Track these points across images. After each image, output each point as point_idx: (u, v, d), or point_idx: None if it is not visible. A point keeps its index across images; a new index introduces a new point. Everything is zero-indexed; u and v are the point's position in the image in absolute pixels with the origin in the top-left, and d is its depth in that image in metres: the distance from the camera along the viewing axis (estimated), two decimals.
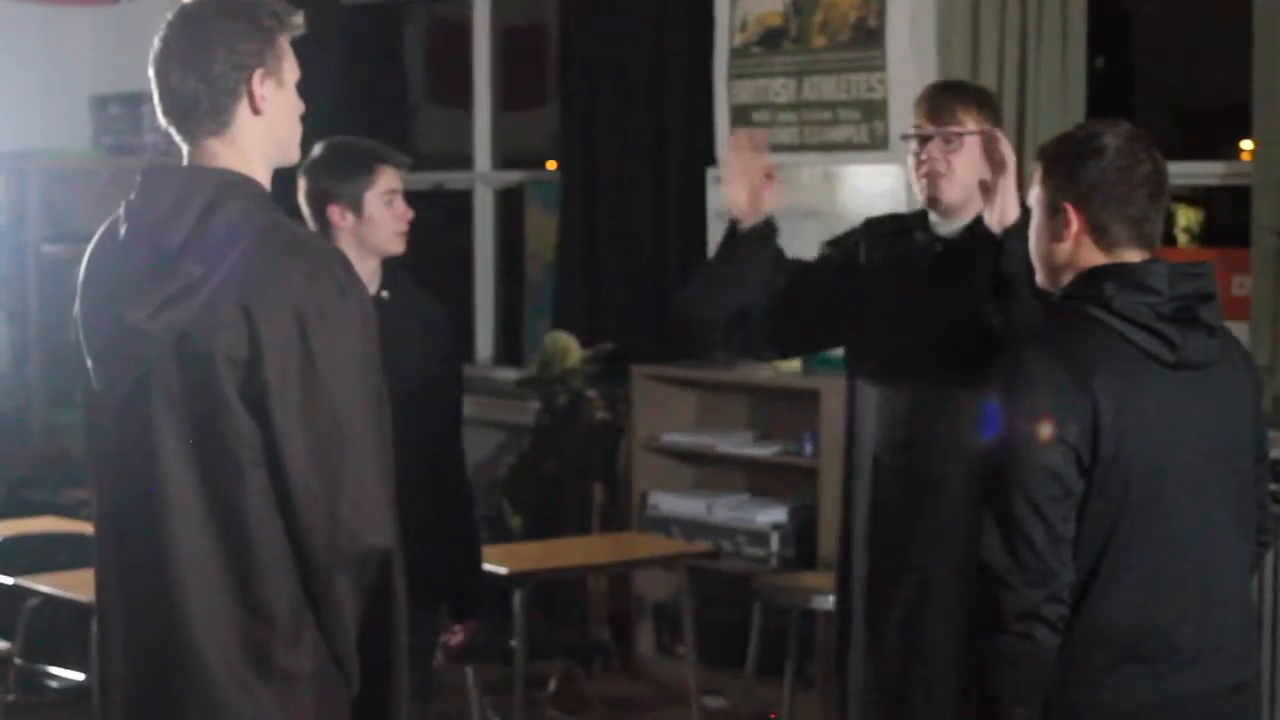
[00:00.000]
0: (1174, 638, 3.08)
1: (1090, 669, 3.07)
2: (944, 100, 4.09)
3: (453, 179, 8.93)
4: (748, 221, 4.14)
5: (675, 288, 7.50)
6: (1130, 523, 3.06)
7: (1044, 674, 3.06)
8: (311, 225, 4.34)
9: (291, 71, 3.01)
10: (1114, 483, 3.04)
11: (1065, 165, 3.16)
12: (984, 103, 4.13)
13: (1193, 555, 3.11)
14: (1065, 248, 3.16)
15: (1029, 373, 3.08)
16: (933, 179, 4.04)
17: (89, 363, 2.98)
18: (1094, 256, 3.13)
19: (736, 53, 7.33)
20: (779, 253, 4.20)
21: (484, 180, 8.79)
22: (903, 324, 4.07)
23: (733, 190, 4.17)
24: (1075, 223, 3.14)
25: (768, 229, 4.16)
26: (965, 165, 4.02)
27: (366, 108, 8.89)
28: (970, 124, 4.03)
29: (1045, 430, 3.03)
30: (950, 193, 4.04)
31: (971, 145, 4.02)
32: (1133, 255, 3.12)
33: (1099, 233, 3.12)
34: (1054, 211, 3.17)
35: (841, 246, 4.28)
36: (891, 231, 4.22)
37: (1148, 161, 3.14)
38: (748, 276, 4.15)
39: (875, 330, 4.15)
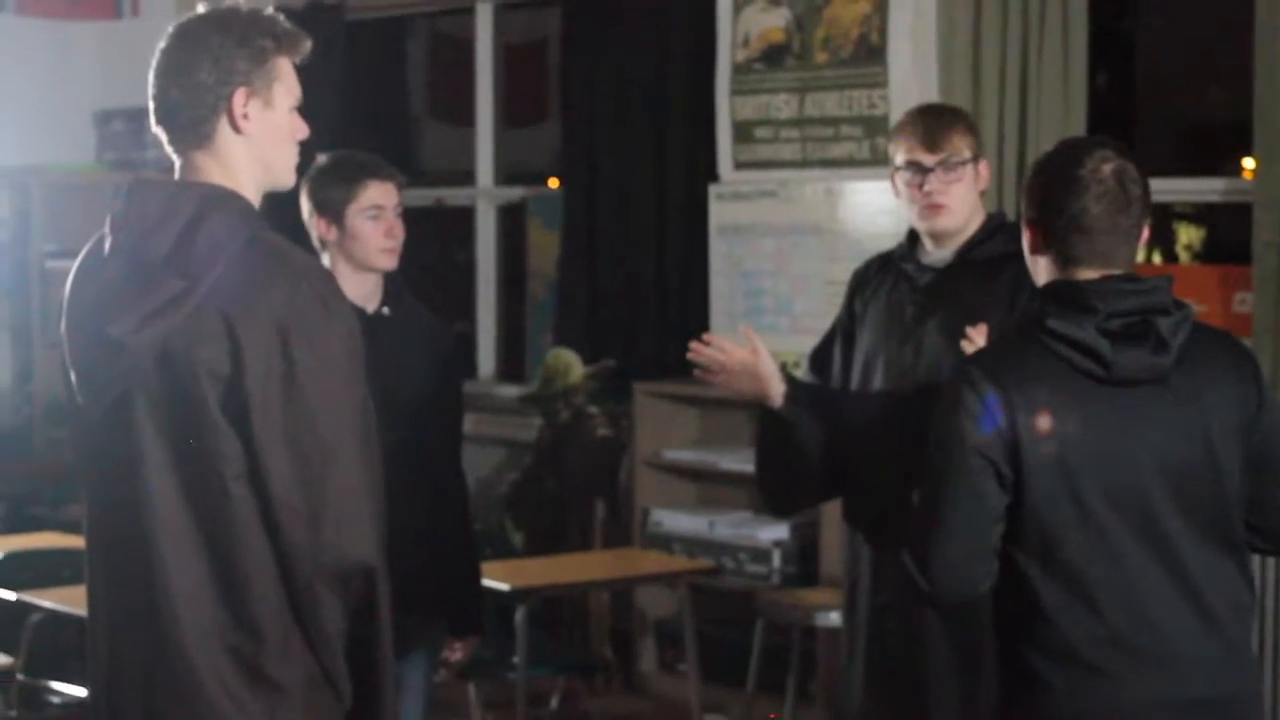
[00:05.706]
0: (1133, 647, 3.07)
1: (1052, 681, 3.08)
2: (939, 129, 4.07)
3: (455, 195, 8.92)
4: (776, 401, 4.09)
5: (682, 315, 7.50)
6: (1065, 538, 3.07)
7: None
8: (312, 237, 4.35)
9: (285, 95, 2.97)
10: (1042, 498, 3.06)
11: (1029, 185, 3.22)
12: (970, 125, 4.16)
13: (1145, 569, 3.08)
14: (1031, 263, 3.22)
15: (956, 390, 3.12)
16: (935, 210, 4.04)
17: (74, 378, 2.97)
18: (1054, 273, 3.17)
19: (739, 69, 7.33)
20: (815, 396, 4.16)
21: (486, 196, 8.79)
22: (896, 367, 4.07)
23: (739, 388, 4.10)
24: (1032, 240, 3.19)
25: (791, 400, 4.09)
26: (965, 192, 4.06)
27: (369, 123, 8.90)
28: (966, 151, 4.06)
29: (966, 446, 3.06)
30: (952, 221, 4.06)
31: (969, 171, 4.06)
32: (1090, 273, 3.13)
33: (1053, 250, 3.16)
34: (1025, 229, 3.22)
35: (842, 324, 4.26)
36: (879, 273, 4.21)
37: (1110, 179, 3.12)
38: (806, 455, 4.11)
39: (870, 374, 4.14)
